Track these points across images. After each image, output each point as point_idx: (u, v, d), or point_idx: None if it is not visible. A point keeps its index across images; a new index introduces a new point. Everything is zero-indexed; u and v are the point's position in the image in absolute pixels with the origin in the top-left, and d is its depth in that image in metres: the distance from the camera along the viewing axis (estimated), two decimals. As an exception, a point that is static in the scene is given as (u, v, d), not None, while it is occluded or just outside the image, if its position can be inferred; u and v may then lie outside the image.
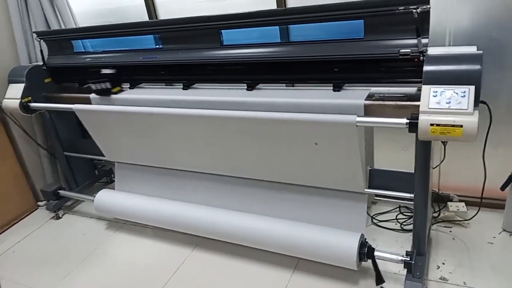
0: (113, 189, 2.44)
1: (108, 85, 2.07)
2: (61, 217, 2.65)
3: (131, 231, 2.39)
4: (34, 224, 2.62)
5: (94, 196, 2.37)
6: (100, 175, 2.94)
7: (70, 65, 2.33)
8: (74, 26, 2.56)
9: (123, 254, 2.22)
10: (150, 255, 2.17)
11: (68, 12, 2.53)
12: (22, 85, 2.28)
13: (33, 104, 2.30)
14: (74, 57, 2.33)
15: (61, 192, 2.62)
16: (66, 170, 2.68)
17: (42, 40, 2.36)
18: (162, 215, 2.14)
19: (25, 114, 2.33)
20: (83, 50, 2.39)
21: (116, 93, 2.10)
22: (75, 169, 2.70)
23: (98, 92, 2.10)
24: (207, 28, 1.86)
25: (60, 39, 2.34)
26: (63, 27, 2.54)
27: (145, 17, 2.50)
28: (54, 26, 2.51)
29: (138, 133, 2.09)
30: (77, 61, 2.30)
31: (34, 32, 2.46)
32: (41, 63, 2.38)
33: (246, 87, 1.87)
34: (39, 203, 2.81)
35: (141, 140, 2.12)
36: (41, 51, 2.35)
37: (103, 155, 2.40)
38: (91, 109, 2.11)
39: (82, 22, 2.65)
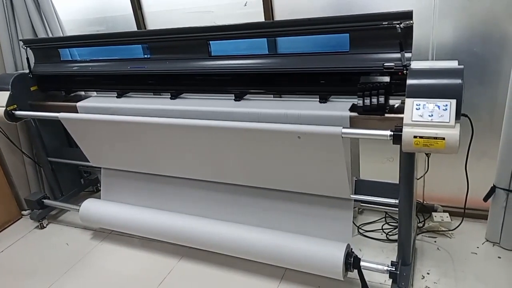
0: (99, 198, 2.42)
1: (384, 99, 1.48)
2: (45, 227, 2.61)
3: (116, 241, 2.37)
4: (18, 234, 2.58)
5: (80, 206, 2.34)
6: (86, 184, 2.90)
7: (56, 74, 2.32)
8: (61, 34, 2.54)
9: (108, 264, 2.19)
10: (136, 265, 2.15)
11: (56, 20, 2.52)
12: (7, 93, 2.25)
13: (18, 112, 2.27)
14: (61, 66, 2.31)
15: (46, 201, 2.58)
16: (51, 179, 2.65)
17: (28, 48, 2.35)
18: (148, 225, 2.12)
19: (10, 122, 2.29)
20: (70, 59, 2.38)
21: (387, 111, 1.50)
22: (61, 178, 2.67)
23: (368, 108, 1.50)
24: (196, 39, 1.87)
25: (47, 47, 2.32)
26: (50, 35, 2.52)
27: (133, 27, 2.50)
28: (41, 34, 2.50)
29: (125, 142, 2.08)
30: (64, 70, 2.28)
31: (20, 40, 2.44)
32: (27, 71, 2.36)
33: (234, 98, 1.88)
34: (23, 212, 2.77)
35: (129, 148, 2.11)
36: (27, 59, 2.33)
37: (89, 165, 2.38)
38: (77, 118, 2.10)
39: (70, 31, 2.64)
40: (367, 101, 1.48)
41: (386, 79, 1.51)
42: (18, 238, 2.54)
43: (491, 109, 1.94)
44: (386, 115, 1.51)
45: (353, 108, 1.57)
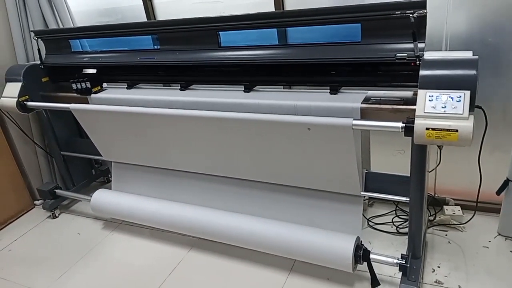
0: (110, 189, 2.44)
1: (88, 84, 2.12)
2: (57, 216, 2.65)
3: (127, 231, 2.39)
4: (31, 223, 2.62)
5: (91, 196, 2.37)
6: (97, 174, 2.93)
7: (67, 64, 2.33)
8: (72, 25, 2.55)
9: (119, 254, 2.22)
10: (146, 256, 2.17)
11: (66, 11, 2.53)
12: (19, 84, 2.28)
13: (30, 103, 2.30)
14: (71, 57, 2.32)
15: (58, 191, 2.62)
16: (62, 169, 2.68)
17: (39, 39, 2.36)
18: (158, 215, 2.14)
19: (22, 113, 2.32)
20: (81, 50, 2.39)
21: (96, 92, 2.15)
22: (72, 169, 2.70)
23: (79, 91, 2.16)
24: (205, 30, 1.86)
25: (58, 39, 2.33)
26: (61, 26, 2.53)
27: (143, 18, 2.50)
28: (52, 25, 2.51)
29: (136, 133, 2.09)
30: (75, 61, 2.29)
31: (31, 31, 2.45)
32: (38, 62, 2.37)
33: (243, 89, 1.87)
34: (36, 202, 2.81)
35: (139, 140, 2.12)
36: (39, 50, 2.34)
37: (100, 155, 2.40)
38: (88, 108, 2.11)
39: (81, 22, 2.65)
40: (79, 86, 2.12)
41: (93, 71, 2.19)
42: (30, 227, 2.58)
43: (505, 101, 1.90)
44: (398, 106, 1.49)
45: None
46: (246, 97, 1.79)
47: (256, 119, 1.67)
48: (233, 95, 1.83)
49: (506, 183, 1.87)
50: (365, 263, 1.71)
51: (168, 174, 2.25)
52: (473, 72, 1.31)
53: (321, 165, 1.71)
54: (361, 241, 1.74)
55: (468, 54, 1.43)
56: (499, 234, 1.99)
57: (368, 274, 1.72)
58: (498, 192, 1.91)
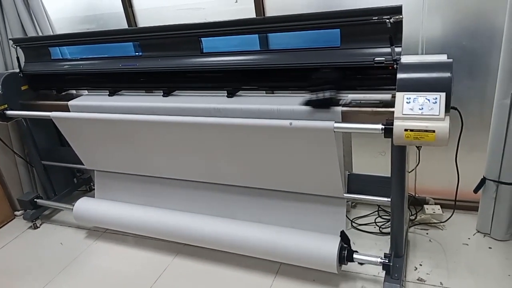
0: (93, 197, 2.41)
1: (331, 93, 1.53)
2: (39, 227, 2.60)
3: (111, 240, 2.36)
4: (11, 234, 2.56)
5: (73, 205, 2.33)
6: (79, 183, 2.89)
7: (47, 72, 2.30)
8: (51, 33, 2.53)
9: (103, 263, 2.19)
10: (131, 264, 2.15)
11: (45, 19, 2.50)
12: (-3, 93, 2.24)
13: (9, 112, 2.26)
14: (51, 64, 2.30)
15: (39, 201, 2.57)
16: (43, 178, 2.64)
17: (18, 47, 2.33)
18: (142, 222, 2.13)
19: (1, 122, 2.28)
20: (61, 57, 2.36)
21: (336, 104, 1.56)
22: (53, 178, 2.66)
23: (315, 103, 1.57)
24: (187, 36, 1.87)
25: (37, 46, 2.30)
26: (40, 33, 2.50)
27: (124, 25, 2.49)
28: (31, 33, 2.48)
29: (118, 141, 2.07)
30: (55, 68, 2.27)
31: (10, 39, 2.42)
32: (17, 70, 2.34)
33: (226, 94, 1.88)
34: (16, 212, 2.75)
35: (121, 147, 2.11)
36: (18, 58, 2.31)
37: (82, 164, 2.37)
38: (69, 116, 2.09)
39: (61, 29, 2.62)
40: (317, 96, 1.55)
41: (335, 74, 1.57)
42: (11, 238, 2.52)
43: (480, 102, 1.96)
44: (377, 109, 1.53)
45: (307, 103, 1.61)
46: (229, 102, 1.80)
47: (239, 124, 1.69)
48: (216, 100, 1.84)
49: (483, 181, 1.93)
50: (350, 263, 1.73)
51: (152, 181, 2.24)
52: (448, 74, 1.35)
53: (304, 168, 1.74)
54: (345, 242, 1.77)
55: (443, 58, 1.48)
56: (478, 231, 2.05)
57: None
58: (476, 190, 1.96)
